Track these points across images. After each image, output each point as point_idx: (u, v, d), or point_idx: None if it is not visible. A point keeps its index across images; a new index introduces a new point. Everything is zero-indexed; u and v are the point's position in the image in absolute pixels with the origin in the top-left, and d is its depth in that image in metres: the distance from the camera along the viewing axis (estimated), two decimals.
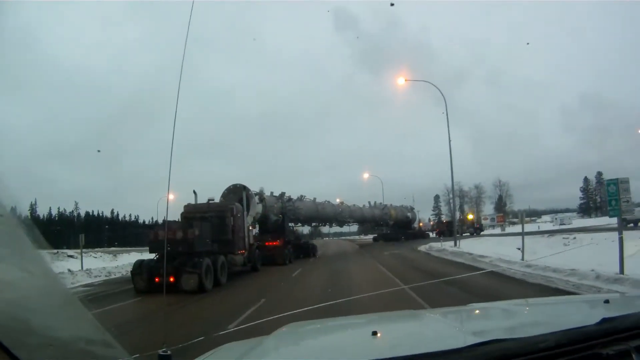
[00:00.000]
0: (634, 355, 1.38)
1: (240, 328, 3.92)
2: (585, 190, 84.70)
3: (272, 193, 26.02)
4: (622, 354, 1.39)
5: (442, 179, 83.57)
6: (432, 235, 50.20)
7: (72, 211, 77.26)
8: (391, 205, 47.35)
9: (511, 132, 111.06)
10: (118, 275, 20.47)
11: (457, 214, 67.34)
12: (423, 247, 28.61)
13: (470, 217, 60.48)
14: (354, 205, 40.90)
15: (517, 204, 78.48)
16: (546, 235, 21.49)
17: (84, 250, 22.61)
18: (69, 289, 1.57)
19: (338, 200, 35.71)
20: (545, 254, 14.66)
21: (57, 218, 73.55)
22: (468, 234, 48.19)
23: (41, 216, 68.14)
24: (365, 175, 54.22)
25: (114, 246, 45.48)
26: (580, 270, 10.81)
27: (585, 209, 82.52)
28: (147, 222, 73.04)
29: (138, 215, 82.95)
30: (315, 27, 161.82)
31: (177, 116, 2.06)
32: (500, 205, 76.48)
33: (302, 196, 29.83)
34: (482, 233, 49.50)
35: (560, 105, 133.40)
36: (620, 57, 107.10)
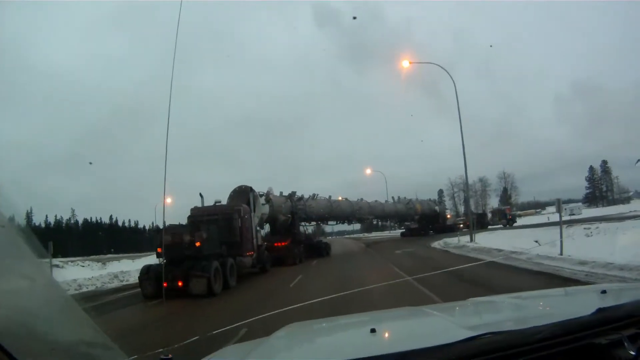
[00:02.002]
0: (625, 344, 1.43)
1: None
2: (591, 179, 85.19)
3: (281, 193, 26.18)
4: (615, 343, 1.44)
5: (445, 173, 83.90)
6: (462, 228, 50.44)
7: (69, 218, 77.99)
8: (417, 199, 47.87)
9: (509, 123, 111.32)
10: (91, 288, 18.26)
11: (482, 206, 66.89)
12: (437, 244, 27.89)
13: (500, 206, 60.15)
14: (376, 201, 41.05)
15: (522, 196, 78.95)
16: (564, 225, 21.18)
17: (71, 259, 21.53)
18: (69, 295, 1.63)
19: (340, 198, 35.67)
20: (571, 246, 14.05)
21: (53, 226, 74.28)
22: (501, 225, 47.98)
23: (37, 224, 68.56)
24: (368, 171, 54.33)
25: (111, 253, 45.41)
26: None
27: (592, 199, 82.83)
28: (147, 227, 74.04)
29: (138, 221, 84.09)
30: (304, 26, 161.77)
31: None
32: (506, 197, 77.03)
33: (314, 194, 29.93)
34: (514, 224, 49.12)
35: (556, 94, 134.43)
36: (614, 42, 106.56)
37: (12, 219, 1.46)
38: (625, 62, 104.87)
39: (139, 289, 13.69)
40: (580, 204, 70.65)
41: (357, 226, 63.64)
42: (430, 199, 51.62)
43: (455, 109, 25.31)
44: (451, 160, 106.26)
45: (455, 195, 74.62)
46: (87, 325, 1.51)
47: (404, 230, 51.32)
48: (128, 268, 23.57)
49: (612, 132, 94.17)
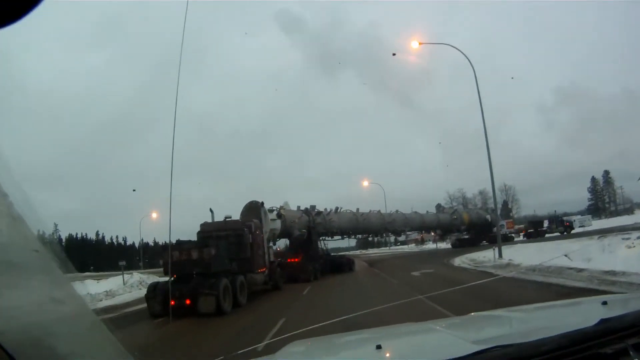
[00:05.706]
0: (631, 352, 1.55)
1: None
2: (593, 190, 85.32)
3: (298, 207, 26.52)
4: (620, 352, 1.57)
5: (443, 186, 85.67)
6: (520, 237, 51.51)
7: (52, 234, 77.62)
8: (463, 209, 49.90)
9: (504, 135, 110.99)
10: None
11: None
12: (461, 262, 25.18)
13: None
14: (414, 212, 41.00)
15: (523, 210, 79.65)
16: (595, 237, 20.67)
17: None
18: (95, 314, 1.62)
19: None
20: (612, 260, 12.99)
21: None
22: (558, 233, 48.56)
23: None
24: (365, 184, 53.52)
25: (89, 271, 44.76)
26: None
27: (594, 210, 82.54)
28: (136, 244, 74.36)
29: (126, 237, 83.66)
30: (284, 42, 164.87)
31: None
32: (507, 210, 76.65)
33: (338, 208, 30.24)
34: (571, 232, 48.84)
35: (544, 103, 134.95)
36: (606, 47, 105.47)
37: (42, 236, 1.67)
38: (615, 67, 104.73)
39: None
40: (590, 216, 70.51)
41: (353, 242, 64.70)
42: (480, 208, 53.19)
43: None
44: (445, 174, 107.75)
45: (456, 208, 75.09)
46: (113, 346, 1.54)
47: (454, 240, 51.30)
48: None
49: (611, 141, 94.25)
